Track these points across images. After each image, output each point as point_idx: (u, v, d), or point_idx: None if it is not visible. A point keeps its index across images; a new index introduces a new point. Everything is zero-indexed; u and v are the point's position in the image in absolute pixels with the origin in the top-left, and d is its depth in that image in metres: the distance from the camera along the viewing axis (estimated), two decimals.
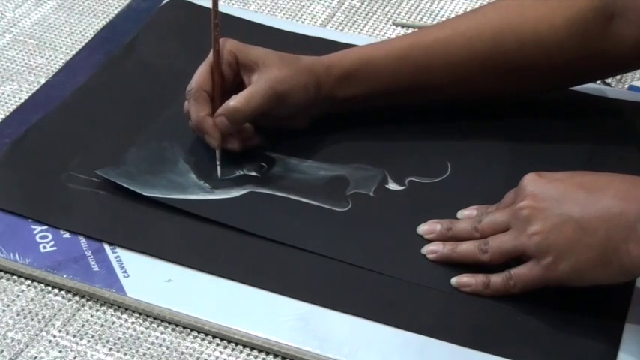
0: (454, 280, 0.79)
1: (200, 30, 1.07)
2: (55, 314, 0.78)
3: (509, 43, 0.89)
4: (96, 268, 0.80)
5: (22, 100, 0.98)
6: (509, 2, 0.92)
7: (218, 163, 0.88)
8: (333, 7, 1.13)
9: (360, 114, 0.93)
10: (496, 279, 0.78)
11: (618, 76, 1.02)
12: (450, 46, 0.90)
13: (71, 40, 1.07)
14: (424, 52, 0.91)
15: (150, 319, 0.78)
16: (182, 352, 0.76)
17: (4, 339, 0.76)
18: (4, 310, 0.79)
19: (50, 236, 0.83)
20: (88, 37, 1.07)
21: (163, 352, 0.76)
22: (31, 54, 1.05)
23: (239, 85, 0.89)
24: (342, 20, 1.11)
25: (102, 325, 0.78)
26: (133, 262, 0.81)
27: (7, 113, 0.96)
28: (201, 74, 0.88)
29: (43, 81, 1.01)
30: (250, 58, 0.89)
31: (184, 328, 0.78)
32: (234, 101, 0.87)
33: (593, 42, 0.88)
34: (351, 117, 0.93)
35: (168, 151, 0.91)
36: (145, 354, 0.76)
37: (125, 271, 0.80)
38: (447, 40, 0.91)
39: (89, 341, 0.76)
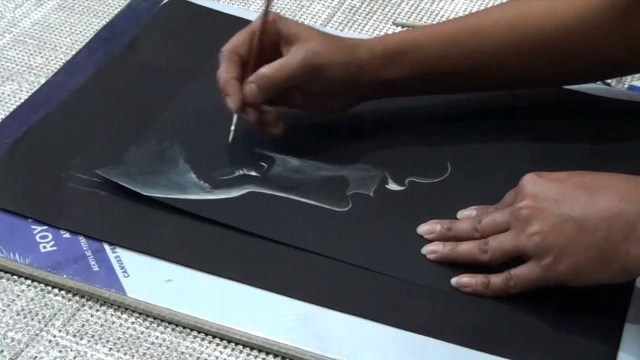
0: (454, 281, 0.79)
1: (200, 30, 1.07)
2: (55, 314, 0.78)
3: (554, 29, 0.89)
4: (96, 268, 0.80)
5: (22, 100, 0.98)
6: None
7: (232, 127, 0.88)
8: (333, 7, 1.13)
9: (361, 114, 0.93)
10: (496, 279, 0.78)
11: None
12: (495, 30, 0.90)
13: (71, 40, 1.07)
14: (469, 35, 0.90)
15: (150, 319, 0.78)
16: (182, 352, 0.76)
17: (4, 339, 0.76)
18: (4, 310, 0.79)
19: (50, 236, 0.83)
20: (88, 37, 1.07)
21: (163, 352, 0.76)
22: (31, 54, 1.05)
23: (273, 55, 0.88)
24: (342, 20, 1.11)
25: (102, 325, 0.78)
26: (133, 262, 0.81)
27: (7, 113, 0.96)
28: (237, 38, 0.88)
29: (43, 81, 1.01)
30: (291, 30, 0.88)
31: (184, 328, 0.78)
32: (266, 69, 0.86)
33: (634, 26, 0.88)
34: (351, 117, 0.93)
35: (168, 150, 0.91)
36: (145, 354, 0.76)
37: (125, 271, 0.80)
38: (492, 25, 0.91)
39: (89, 341, 0.76)
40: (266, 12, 0.87)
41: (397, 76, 0.90)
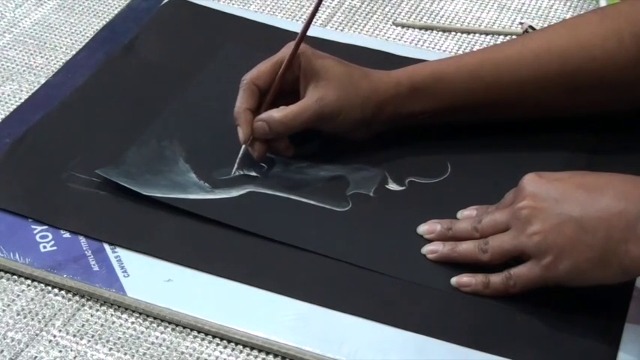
0: (454, 280, 0.79)
1: (200, 30, 1.07)
2: (55, 314, 0.78)
3: (579, 59, 0.89)
4: (96, 268, 0.80)
5: (22, 100, 0.98)
6: (578, 20, 0.93)
7: (238, 159, 0.88)
8: (333, 7, 1.13)
9: None
10: (496, 279, 0.78)
11: None
12: (520, 62, 0.90)
13: (71, 40, 1.07)
14: (494, 68, 0.90)
15: (150, 319, 0.78)
16: (182, 352, 0.76)
17: (4, 339, 0.76)
18: (4, 310, 0.79)
19: (50, 236, 0.83)
20: (88, 37, 1.07)
21: (163, 352, 0.76)
22: (31, 54, 1.05)
23: (293, 87, 0.89)
24: (342, 20, 1.11)
25: (102, 325, 0.78)
26: (133, 262, 0.81)
27: (7, 113, 0.96)
28: (259, 69, 0.88)
29: (43, 81, 1.01)
30: (313, 68, 0.88)
31: (184, 328, 0.78)
32: (281, 115, 0.87)
33: None
34: None
35: (168, 150, 0.91)
36: (145, 354, 0.76)
37: (125, 271, 0.80)
38: (516, 57, 0.90)
39: (89, 341, 0.76)
40: (295, 50, 0.87)
41: (423, 109, 0.90)
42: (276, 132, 0.87)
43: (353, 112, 0.88)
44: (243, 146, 0.88)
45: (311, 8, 0.87)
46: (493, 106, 0.91)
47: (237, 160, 0.88)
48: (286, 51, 0.88)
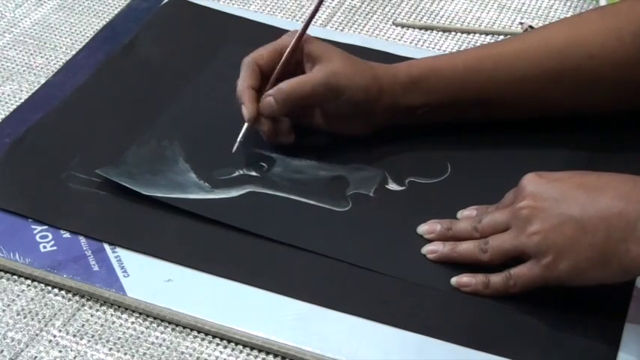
0: (454, 280, 0.79)
1: (200, 30, 1.07)
2: (55, 314, 0.78)
3: (578, 57, 0.89)
4: (96, 268, 0.80)
5: (22, 100, 0.98)
6: (577, 18, 0.93)
7: (239, 138, 0.88)
8: (333, 7, 1.13)
9: None
10: (496, 279, 0.78)
11: None
12: (519, 59, 0.90)
13: (71, 40, 1.07)
14: (492, 64, 0.90)
15: (150, 319, 0.78)
16: (182, 352, 0.76)
17: (4, 339, 0.76)
18: (4, 310, 0.79)
19: (50, 236, 0.83)
20: (88, 37, 1.07)
21: (163, 352, 0.76)
22: (31, 54, 1.05)
23: (295, 73, 0.89)
24: (342, 20, 1.11)
25: (102, 325, 0.78)
26: (133, 262, 0.81)
27: (7, 113, 0.96)
28: (262, 50, 0.89)
29: (43, 81, 1.01)
30: (316, 50, 0.88)
31: (184, 328, 0.78)
32: (286, 84, 0.87)
33: None
34: None
35: (168, 150, 0.91)
36: (145, 354, 0.76)
37: (125, 271, 0.80)
38: (515, 54, 0.90)
39: (89, 341, 0.76)
40: (302, 33, 0.87)
41: (420, 103, 0.90)
42: (283, 103, 0.87)
43: (357, 91, 0.88)
44: (246, 124, 0.88)
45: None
46: (490, 103, 0.91)
47: (239, 139, 0.88)
48: (286, 38, 0.88)
